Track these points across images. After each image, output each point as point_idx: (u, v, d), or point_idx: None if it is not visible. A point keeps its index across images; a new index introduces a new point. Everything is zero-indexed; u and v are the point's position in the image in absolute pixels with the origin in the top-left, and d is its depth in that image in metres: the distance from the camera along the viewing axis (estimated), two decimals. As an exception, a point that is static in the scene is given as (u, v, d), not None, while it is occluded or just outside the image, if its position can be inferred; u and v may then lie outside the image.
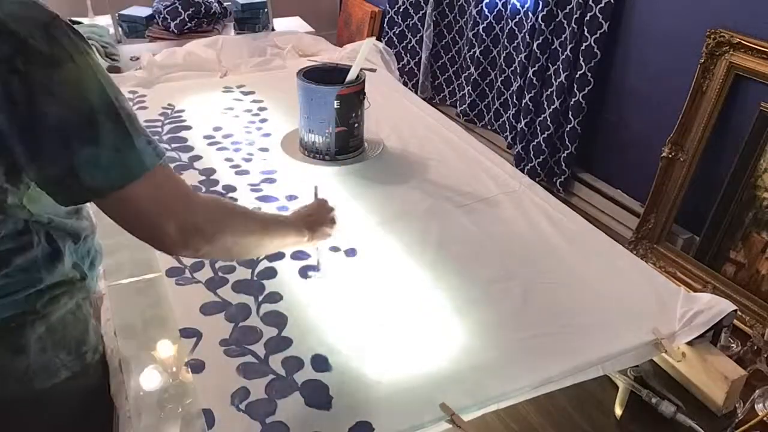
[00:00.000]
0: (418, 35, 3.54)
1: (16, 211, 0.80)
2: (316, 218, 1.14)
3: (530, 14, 2.80)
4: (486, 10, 3.07)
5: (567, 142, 2.73)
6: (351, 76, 1.63)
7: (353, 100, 1.62)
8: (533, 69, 2.79)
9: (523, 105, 2.91)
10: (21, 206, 0.80)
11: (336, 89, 1.58)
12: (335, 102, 1.58)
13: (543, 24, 2.70)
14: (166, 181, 0.81)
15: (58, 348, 0.90)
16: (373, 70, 1.87)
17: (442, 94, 3.60)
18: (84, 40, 0.75)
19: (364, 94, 1.65)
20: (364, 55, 1.65)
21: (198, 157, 1.64)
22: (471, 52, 3.22)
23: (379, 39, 3.61)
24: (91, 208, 0.93)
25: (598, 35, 2.50)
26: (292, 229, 1.07)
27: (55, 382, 0.90)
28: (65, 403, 0.94)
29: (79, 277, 0.92)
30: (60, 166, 0.74)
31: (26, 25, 0.69)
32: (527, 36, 2.83)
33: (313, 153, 1.66)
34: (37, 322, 0.86)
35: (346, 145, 1.65)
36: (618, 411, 1.10)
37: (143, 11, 3.19)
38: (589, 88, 2.59)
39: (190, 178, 1.55)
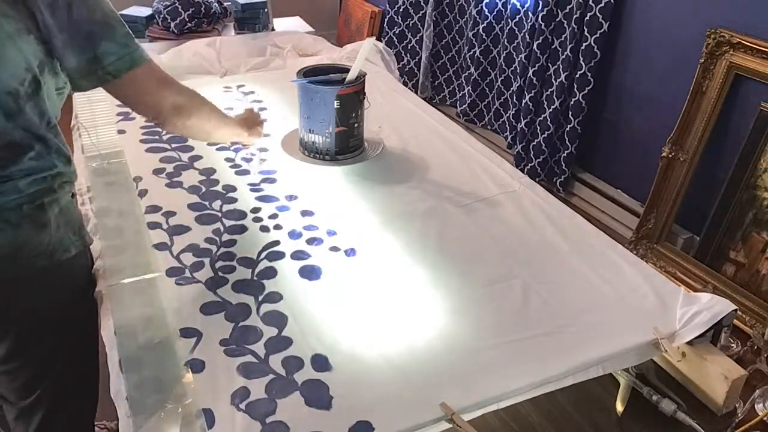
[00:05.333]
0: (418, 35, 3.54)
1: (40, 102, 1.03)
2: (250, 120, 1.48)
3: (530, 14, 2.81)
4: (486, 10, 3.07)
5: (567, 142, 2.73)
6: (351, 76, 1.62)
7: (353, 100, 1.61)
8: (533, 69, 2.79)
9: (523, 105, 2.91)
10: (43, 99, 1.03)
11: (336, 89, 1.58)
12: (335, 102, 1.58)
13: (543, 24, 2.70)
14: (159, 71, 1.12)
15: (68, 228, 1.13)
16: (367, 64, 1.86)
17: (442, 94, 3.60)
18: None
19: (364, 94, 1.65)
20: (364, 55, 1.64)
21: (198, 157, 1.64)
22: (471, 52, 3.22)
23: (379, 39, 3.61)
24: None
25: (598, 35, 2.50)
26: (235, 121, 1.41)
27: (68, 256, 1.13)
28: (77, 273, 1.18)
29: (72, 176, 1.15)
30: (87, 54, 1.02)
31: None
32: (527, 36, 2.83)
33: (313, 153, 1.66)
34: (53, 204, 1.09)
35: (346, 145, 1.65)
36: (619, 408, 1.10)
37: (143, 11, 3.19)
38: (589, 88, 2.59)
39: (190, 178, 1.55)
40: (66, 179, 1.12)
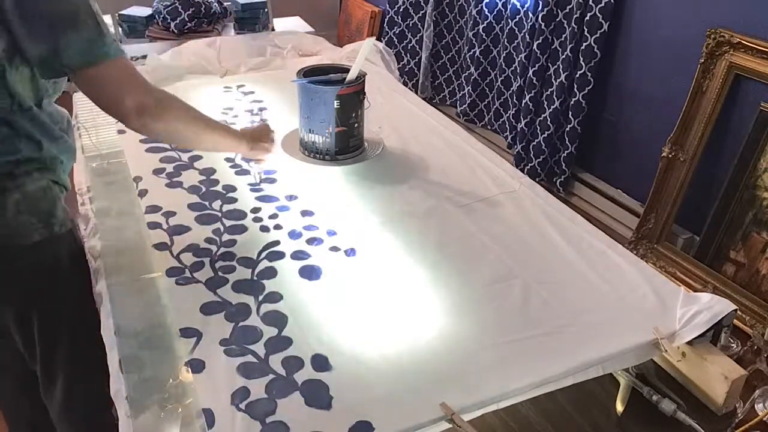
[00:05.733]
0: (418, 35, 3.54)
1: (8, 88, 1.04)
2: (258, 134, 1.41)
3: (530, 14, 2.81)
4: (486, 10, 3.07)
5: (567, 142, 2.73)
6: (351, 76, 1.62)
7: (353, 100, 1.61)
8: (533, 69, 2.79)
9: (523, 105, 2.91)
10: (11, 84, 1.04)
11: (336, 89, 1.57)
12: (335, 102, 1.58)
13: (543, 24, 2.70)
14: (126, 69, 1.08)
15: (31, 214, 1.14)
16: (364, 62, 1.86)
17: (442, 94, 3.60)
18: None
19: (364, 94, 1.65)
20: (364, 55, 1.64)
21: (198, 157, 1.64)
22: (471, 52, 3.22)
23: (379, 39, 3.61)
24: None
25: (598, 35, 2.50)
26: (232, 132, 1.34)
27: (33, 240, 1.15)
28: (42, 261, 1.18)
29: (49, 162, 1.15)
30: (47, 46, 1.00)
31: None
32: (527, 36, 2.83)
33: (313, 153, 1.66)
34: (15, 190, 1.10)
35: (346, 145, 1.65)
36: (619, 408, 1.10)
37: (143, 11, 3.19)
38: (589, 88, 2.59)
39: (190, 178, 1.55)
40: (36, 166, 1.12)
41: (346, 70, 1.64)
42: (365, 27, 3.92)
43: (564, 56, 2.65)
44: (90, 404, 1.31)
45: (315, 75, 1.65)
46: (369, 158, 1.68)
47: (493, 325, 1.15)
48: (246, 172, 1.60)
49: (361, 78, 1.63)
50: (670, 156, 2.27)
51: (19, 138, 1.09)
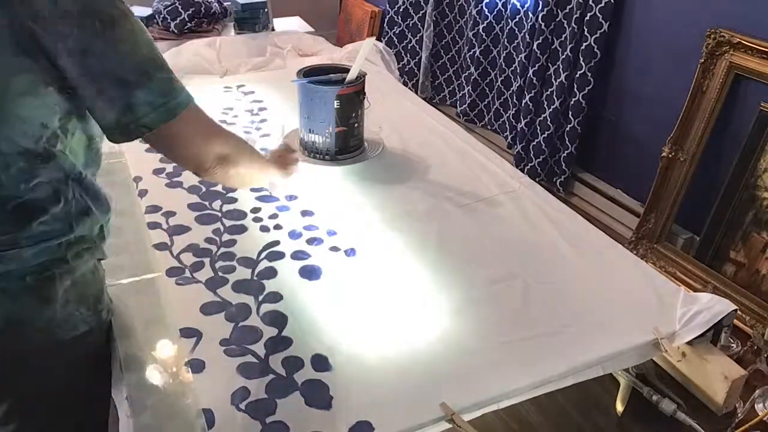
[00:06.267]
0: (418, 35, 3.54)
1: (60, 160, 0.90)
2: (284, 160, 1.32)
3: (530, 14, 2.80)
4: (486, 10, 3.07)
5: (567, 142, 2.73)
6: (351, 76, 1.62)
7: (353, 100, 1.61)
8: (533, 69, 2.79)
9: (523, 105, 2.91)
10: (65, 155, 0.91)
11: (336, 89, 1.57)
12: (335, 102, 1.58)
13: (543, 24, 2.70)
14: (202, 117, 0.97)
15: (80, 303, 0.98)
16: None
17: (442, 94, 3.60)
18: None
19: (364, 94, 1.65)
20: (364, 55, 1.64)
21: (198, 157, 1.64)
22: (471, 52, 3.22)
23: (379, 39, 3.61)
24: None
25: (598, 35, 2.50)
26: (272, 166, 1.25)
27: (74, 334, 0.98)
28: (81, 355, 1.03)
29: (98, 239, 1.01)
30: (119, 106, 0.86)
31: None
32: (527, 36, 2.83)
33: (313, 153, 1.66)
34: (65, 275, 0.95)
35: (346, 145, 1.65)
36: (619, 408, 1.10)
37: (143, 11, 3.18)
38: (589, 88, 2.59)
39: (190, 178, 1.55)
40: (86, 245, 0.97)
41: (346, 70, 1.64)
42: (365, 27, 3.91)
43: (564, 56, 2.65)
44: None
45: (315, 75, 1.66)
46: (369, 158, 1.68)
47: (493, 325, 1.15)
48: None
49: (361, 78, 1.63)
50: (670, 156, 2.27)
51: (70, 215, 0.94)
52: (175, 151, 0.97)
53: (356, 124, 1.65)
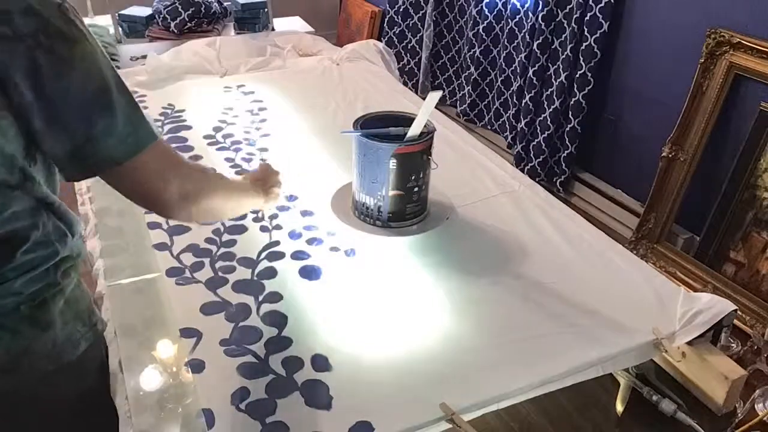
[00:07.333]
0: (418, 35, 3.54)
1: (32, 189, 0.84)
2: (267, 182, 1.22)
3: (530, 14, 2.80)
4: (486, 10, 3.07)
5: (567, 142, 2.73)
6: (413, 132, 1.35)
7: (415, 160, 1.34)
8: (533, 69, 2.79)
9: (523, 105, 2.91)
10: (38, 183, 0.85)
11: (393, 146, 1.31)
12: (391, 161, 1.33)
13: (543, 24, 2.70)
14: (168, 151, 0.90)
15: (77, 319, 0.94)
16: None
17: (441, 94, 3.60)
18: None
19: (430, 153, 1.38)
20: (430, 108, 1.34)
21: (198, 157, 1.64)
22: (471, 52, 3.22)
23: (379, 39, 3.61)
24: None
25: (598, 35, 2.50)
26: (252, 194, 1.16)
27: (77, 353, 0.94)
28: (87, 372, 0.99)
29: (77, 256, 0.96)
30: (79, 136, 0.78)
31: (46, 6, 0.75)
32: (527, 36, 2.83)
33: (364, 216, 1.41)
34: (57, 296, 0.91)
35: (402, 210, 1.38)
36: (619, 408, 1.10)
37: (143, 11, 3.18)
38: (589, 88, 2.59)
39: (190, 178, 1.55)
40: (70, 264, 0.93)
41: (411, 120, 1.36)
42: (365, 27, 3.92)
43: (564, 56, 2.65)
44: None
45: (373, 126, 1.39)
46: (430, 229, 1.40)
47: (493, 325, 1.15)
48: (246, 172, 1.60)
49: (426, 135, 1.36)
50: (670, 156, 2.27)
51: (49, 239, 0.89)
52: (135, 187, 0.87)
53: (415, 188, 1.37)
